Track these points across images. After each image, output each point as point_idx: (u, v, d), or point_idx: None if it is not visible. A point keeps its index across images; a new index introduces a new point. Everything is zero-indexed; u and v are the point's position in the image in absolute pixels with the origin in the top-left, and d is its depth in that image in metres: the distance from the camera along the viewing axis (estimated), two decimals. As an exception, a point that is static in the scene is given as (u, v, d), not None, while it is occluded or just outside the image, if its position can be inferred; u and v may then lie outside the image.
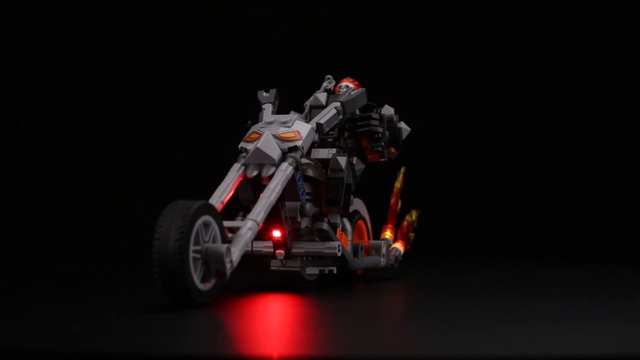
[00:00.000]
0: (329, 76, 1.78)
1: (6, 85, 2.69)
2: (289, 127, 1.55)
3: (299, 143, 1.53)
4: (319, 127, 1.59)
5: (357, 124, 1.70)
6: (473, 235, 2.65)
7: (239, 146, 1.54)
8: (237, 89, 2.08)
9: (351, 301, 1.55)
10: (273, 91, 1.65)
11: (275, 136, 1.52)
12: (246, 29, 2.72)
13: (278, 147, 1.51)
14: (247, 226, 1.41)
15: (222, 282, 1.37)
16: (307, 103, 1.74)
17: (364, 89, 1.70)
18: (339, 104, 1.65)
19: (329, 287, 1.68)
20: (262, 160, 1.50)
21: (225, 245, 1.35)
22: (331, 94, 1.75)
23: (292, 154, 1.52)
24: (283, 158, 1.51)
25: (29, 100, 2.70)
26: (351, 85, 1.76)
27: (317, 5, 2.71)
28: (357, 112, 1.72)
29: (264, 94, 1.65)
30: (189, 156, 2.66)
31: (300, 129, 1.55)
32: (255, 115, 1.69)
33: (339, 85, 1.77)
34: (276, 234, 1.56)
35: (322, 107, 1.70)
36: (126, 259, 2.44)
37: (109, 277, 2.01)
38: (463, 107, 2.71)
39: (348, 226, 1.70)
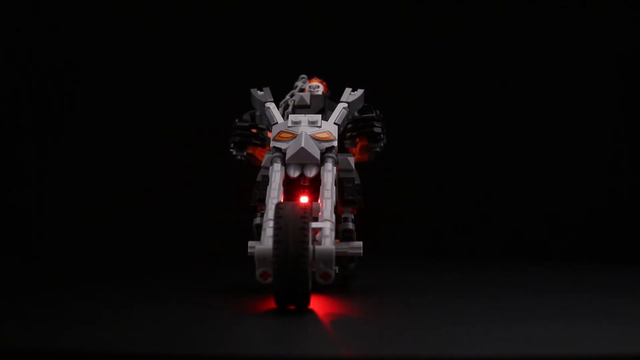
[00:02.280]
0: (303, 75, 1.79)
1: (6, 85, 2.69)
2: (319, 127, 1.56)
3: (335, 143, 1.54)
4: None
5: (359, 124, 1.70)
6: (473, 235, 2.65)
7: (271, 145, 1.55)
8: (236, 89, 2.08)
9: (380, 301, 1.57)
10: (267, 90, 1.65)
11: (310, 136, 1.53)
12: (246, 29, 2.72)
13: (317, 148, 1.52)
14: (328, 227, 1.41)
15: (325, 284, 1.35)
16: (289, 103, 1.73)
17: (363, 90, 1.70)
18: (346, 104, 1.65)
19: (330, 287, 1.69)
20: (305, 160, 1.51)
21: (333, 247, 1.34)
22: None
23: (330, 154, 1.53)
24: (322, 158, 1.52)
25: (29, 101, 2.70)
26: (321, 86, 1.76)
27: (317, 5, 2.71)
28: (356, 113, 1.72)
29: (259, 92, 1.65)
30: (189, 156, 2.65)
31: (330, 129, 1.56)
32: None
33: (309, 85, 1.77)
34: None
35: (308, 107, 1.70)
36: (126, 259, 2.44)
37: (114, 277, 2.01)
38: (463, 107, 2.70)
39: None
